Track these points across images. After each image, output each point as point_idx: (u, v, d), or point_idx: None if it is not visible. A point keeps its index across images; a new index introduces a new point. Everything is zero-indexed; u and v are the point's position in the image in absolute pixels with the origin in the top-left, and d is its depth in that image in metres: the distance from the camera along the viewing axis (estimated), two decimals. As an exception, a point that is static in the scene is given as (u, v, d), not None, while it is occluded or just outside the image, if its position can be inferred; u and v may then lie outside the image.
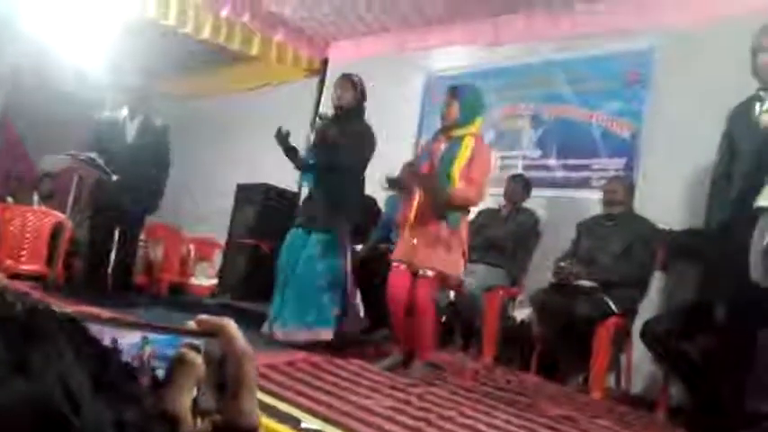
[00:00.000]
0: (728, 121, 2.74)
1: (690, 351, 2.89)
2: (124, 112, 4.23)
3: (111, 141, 4.14)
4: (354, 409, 2.24)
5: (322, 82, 5.87)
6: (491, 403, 2.71)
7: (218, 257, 6.04)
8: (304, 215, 3.58)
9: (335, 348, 3.29)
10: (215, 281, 5.77)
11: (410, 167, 3.36)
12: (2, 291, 0.32)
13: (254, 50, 5.30)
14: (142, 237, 4.89)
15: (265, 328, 3.46)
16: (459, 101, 3.07)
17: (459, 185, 3.03)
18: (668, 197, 3.78)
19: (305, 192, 3.77)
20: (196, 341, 0.41)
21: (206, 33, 4.86)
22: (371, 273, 4.14)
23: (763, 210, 2.16)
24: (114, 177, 4.05)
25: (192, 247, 5.96)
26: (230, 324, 0.43)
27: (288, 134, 3.44)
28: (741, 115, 2.67)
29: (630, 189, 3.71)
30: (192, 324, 0.43)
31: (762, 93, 2.61)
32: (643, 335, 3.12)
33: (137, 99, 4.23)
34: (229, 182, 6.11)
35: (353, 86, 3.53)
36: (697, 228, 3.28)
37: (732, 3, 3.62)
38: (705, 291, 2.91)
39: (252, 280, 5.42)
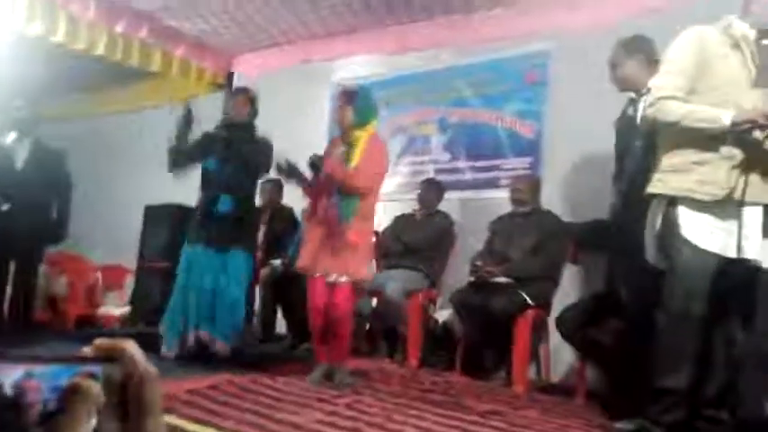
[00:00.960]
0: (616, 123, 2.93)
1: (600, 337, 3.04)
2: (11, 136, 3.96)
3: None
4: (282, 426, 2.19)
5: (228, 95, 5.74)
6: (419, 406, 2.73)
7: (128, 284, 5.75)
8: (214, 233, 3.45)
9: (238, 364, 3.28)
10: (126, 309, 5.49)
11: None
12: None
13: (155, 66, 5.10)
14: (43, 268, 4.58)
15: (165, 352, 3.41)
16: (352, 105, 3.10)
17: (335, 171, 3.05)
18: (572, 192, 3.97)
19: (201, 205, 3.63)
20: (94, 368, 0.39)
21: (101, 50, 4.63)
22: (290, 287, 4.08)
23: (652, 196, 2.30)
24: (4, 206, 3.77)
25: (99, 274, 5.64)
26: (129, 345, 0.41)
27: (290, 166, 3.14)
28: (624, 117, 2.88)
29: (536, 186, 3.87)
30: (87, 350, 0.41)
31: (635, 96, 2.81)
32: (558, 325, 3.26)
33: (24, 122, 3.98)
34: (136, 203, 5.85)
35: (250, 101, 3.53)
36: (601, 219, 3.47)
37: (621, 7, 3.86)
38: (611, 278, 3.07)
39: (166, 304, 5.19)
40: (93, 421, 0.37)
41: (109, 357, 0.40)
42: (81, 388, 0.37)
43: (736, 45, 2.20)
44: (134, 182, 6.31)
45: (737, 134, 2.09)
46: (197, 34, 5.23)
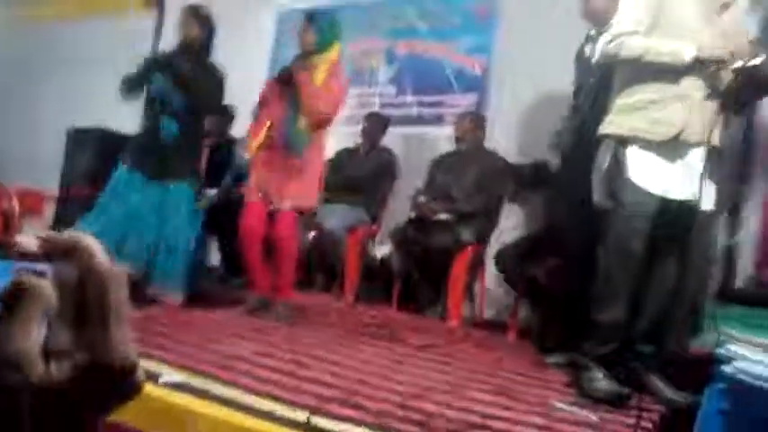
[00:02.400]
0: (575, 61, 2.90)
1: (538, 274, 3.11)
2: None
3: None
4: (220, 357, 2.13)
5: (161, 16, 5.36)
6: (357, 339, 2.74)
7: (49, 210, 5.43)
8: (156, 163, 3.14)
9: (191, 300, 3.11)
10: (47, 236, 5.20)
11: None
12: None
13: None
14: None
15: None
16: (315, 27, 2.96)
17: (310, 97, 2.91)
18: (521, 131, 3.97)
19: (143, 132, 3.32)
20: (41, 266, 0.32)
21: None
22: (226, 218, 3.95)
23: (604, 137, 2.30)
24: None
25: (15, 199, 5.28)
26: (86, 239, 0.33)
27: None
28: (580, 54, 2.85)
29: (481, 124, 3.84)
30: (32, 244, 0.33)
31: (593, 33, 2.78)
32: (496, 262, 3.30)
33: None
34: (59, 124, 5.45)
35: (201, 20, 3.21)
36: (541, 160, 3.49)
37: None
38: (551, 217, 3.12)
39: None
40: (44, 329, 0.30)
41: (61, 253, 0.32)
42: (28, 287, 0.30)
43: None
44: (56, 102, 5.87)
45: (692, 71, 2.10)
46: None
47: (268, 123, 2.99)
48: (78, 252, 0.32)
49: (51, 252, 0.32)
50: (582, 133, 2.60)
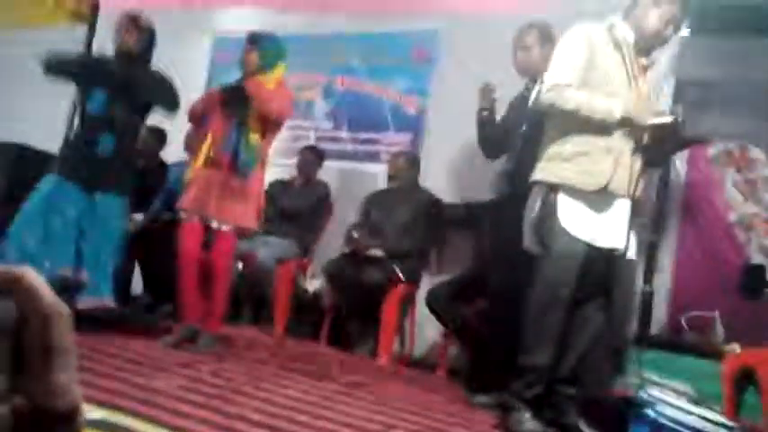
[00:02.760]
0: (507, 108, 3.02)
1: (468, 315, 3.16)
2: None
3: None
4: (142, 392, 2.02)
5: (92, 30, 5.17)
6: (285, 375, 2.67)
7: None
8: (90, 174, 2.98)
9: (109, 324, 2.95)
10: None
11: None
12: None
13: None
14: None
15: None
16: (259, 48, 2.94)
17: (258, 93, 2.89)
18: (452, 171, 4.06)
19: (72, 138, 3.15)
20: None
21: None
22: (153, 243, 3.80)
23: (535, 183, 2.40)
24: None
25: None
26: (28, 274, 0.30)
27: None
28: (517, 104, 2.96)
29: (414, 163, 3.91)
30: None
31: (530, 85, 2.91)
32: (428, 301, 3.33)
33: None
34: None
35: (140, 28, 3.10)
36: (475, 201, 3.58)
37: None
38: (483, 258, 3.19)
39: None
40: None
41: None
42: None
43: (617, 45, 2.34)
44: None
45: (624, 128, 2.24)
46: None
47: (209, 139, 2.92)
48: (19, 288, 0.29)
49: None
50: (514, 178, 2.70)
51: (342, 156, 4.42)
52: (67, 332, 0.30)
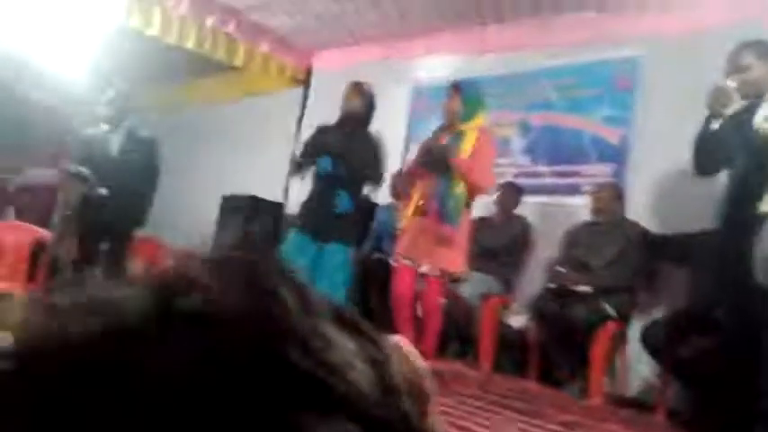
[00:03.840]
0: (726, 120, 2.79)
1: (690, 355, 2.95)
2: (104, 127, 4.15)
3: (95, 155, 4.04)
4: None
5: (306, 91, 5.85)
6: (500, 411, 2.72)
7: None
8: (326, 227, 3.37)
9: None
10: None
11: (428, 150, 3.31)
12: None
13: (239, 61, 5.25)
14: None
15: None
16: (461, 95, 3.10)
17: (466, 167, 3.04)
18: (660, 202, 3.85)
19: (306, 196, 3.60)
20: None
21: (190, 43, 4.80)
22: (365, 282, 4.12)
23: (764, 215, 2.21)
24: (102, 191, 3.96)
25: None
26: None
27: None
28: (738, 117, 2.72)
29: (619, 195, 3.77)
30: None
31: (754, 101, 2.67)
32: (645, 339, 3.17)
33: (119, 111, 4.15)
34: (213, 194, 6.02)
35: (364, 95, 3.49)
36: (688, 232, 3.36)
37: (714, 12, 3.72)
38: (702, 293, 2.97)
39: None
40: None
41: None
42: None
43: None
44: (212, 171, 6.51)
45: None
46: (281, 30, 5.35)
47: (418, 189, 3.12)
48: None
49: None
50: (737, 207, 2.50)
51: (541, 190, 4.41)
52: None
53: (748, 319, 2.31)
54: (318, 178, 3.48)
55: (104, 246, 4.13)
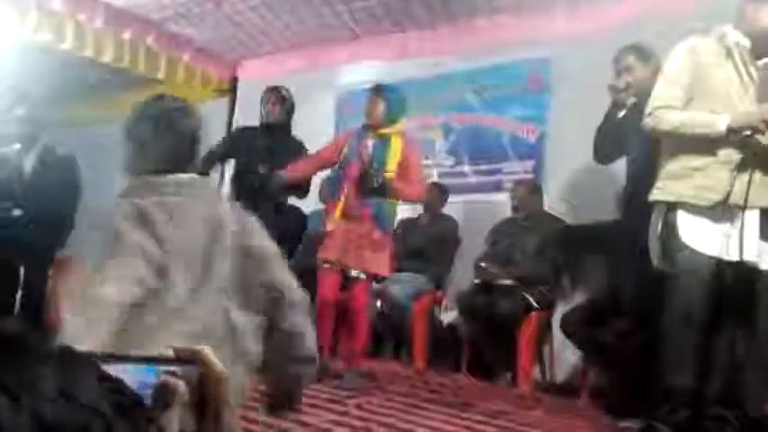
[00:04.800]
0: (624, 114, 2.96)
1: (605, 338, 3.09)
2: (18, 144, 4.00)
3: (6, 176, 3.90)
4: (294, 425, 2.24)
5: (233, 102, 5.81)
6: (428, 407, 2.78)
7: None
8: None
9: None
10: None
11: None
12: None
13: (161, 73, 5.16)
14: (50, 273, 4.62)
15: None
16: (385, 100, 3.14)
17: (399, 185, 3.10)
18: (576, 194, 4.02)
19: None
20: (174, 368, 0.44)
21: (108, 57, 4.69)
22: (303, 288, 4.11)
23: (654, 203, 2.37)
24: (16, 212, 3.82)
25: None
26: (205, 349, 0.46)
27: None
28: (632, 118, 2.90)
29: (536, 190, 3.93)
30: (169, 353, 0.46)
31: (629, 103, 2.85)
32: (562, 326, 3.31)
33: (32, 129, 4.01)
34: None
35: (282, 100, 3.49)
36: (603, 221, 3.52)
37: (620, 13, 3.93)
38: (614, 280, 3.12)
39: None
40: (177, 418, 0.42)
41: (188, 360, 0.45)
42: (173, 385, 0.42)
43: (729, 54, 2.27)
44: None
45: (737, 138, 2.15)
46: (202, 41, 5.30)
47: (346, 192, 3.12)
48: (200, 360, 0.45)
49: (182, 359, 0.45)
50: (634, 197, 2.66)
51: (465, 189, 4.53)
52: (227, 389, 0.45)
53: (648, 302, 2.45)
54: (241, 189, 3.48)
55: (23, 269, 3.98)
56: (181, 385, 0.42)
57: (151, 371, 0.43)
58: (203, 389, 0.44)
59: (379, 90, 3.20)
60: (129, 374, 0.42)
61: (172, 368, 0.44)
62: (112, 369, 0.41)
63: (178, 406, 0.42)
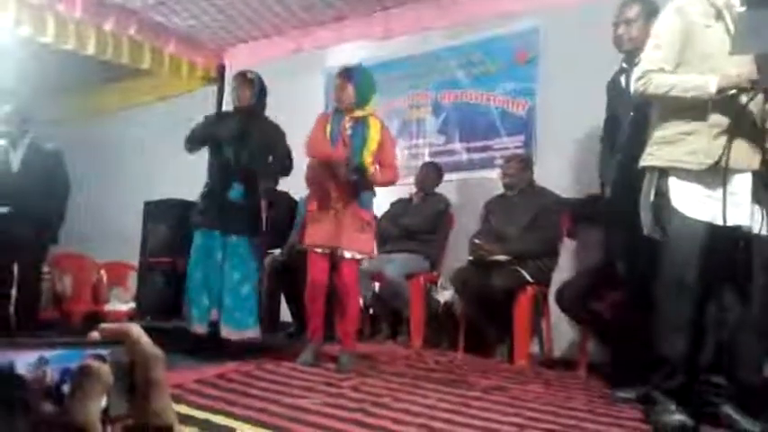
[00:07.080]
0: (607, 93, 2.94)
1: (600, 309, 3.08)
2: (3, 140, 3.97)
3: None
4: (290, 410, 2.24)
5: (221, 89, 5.75)
6: (424, 385, 2.78)
7: (132, 280, 5.80)
8: (223, 219, 3.37)
9: (243, 352, 3.28)
10: (132, 305, 5.54)
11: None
12: None
13: (146, 63, 5.11)
14: (46, 269, 4.62)
15: (196, 328, 3.32)
16: (353, 82, 3.11)
17: (377, 169, 3.13)
18: (567, 167, 4.00)
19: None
20: (102, 351, 0.42)
21: (90, 49, 4.64)
22: (292, 276, 4.12)
23: (645, 169, 2.33)
24: (3, 210, 3.80)
25: (103, 272, 5.69)
26: (133, 328, 0.43)
27: None
28: (614, 87, 2.88)
29: (527, 164, 3.89)
30: (94, 335, 0.43)
31: (625, 65, 2.81)
32: (557, 299, 3.30)
33: (19, 125, 3.98)
34: (133, 201, 5.86)
35: (251, 83, 3.45)
36: (594, 193, 3.49)
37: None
38: (608, 251, 3.10)
39: (171, 299, 5.23)
40: (104, 401, 0.40)
41: (115, 341, 0.43)
42: (92, 369, 0.40)
43: (719, 14, 2.22)
44: (131, 179, 6.34)
45: (723, 101, 2.12)
46: (187, 30, 5.23)
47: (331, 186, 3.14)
48: (128, 340, 0.43)
49: (109, 339, 0.43)
50: (624, 166, 2.62)
51: (457, 167, 4.50)
52: (162, 370, 0.43)
53: (640, 269, 2.43)
54: (214, 170, 3.46)
55: (16, 265, 3.97)
56: (104, 368, 0.40)
57: (74, 356, 0.41)
58: (134, 370, 0.42)
59: (345, 73, 3.16)
60: (52, 361, 0.40)
61: (99, 351, 0.42)
62: (27, 357, 0.39)
63: (100, 390, 0.40)
